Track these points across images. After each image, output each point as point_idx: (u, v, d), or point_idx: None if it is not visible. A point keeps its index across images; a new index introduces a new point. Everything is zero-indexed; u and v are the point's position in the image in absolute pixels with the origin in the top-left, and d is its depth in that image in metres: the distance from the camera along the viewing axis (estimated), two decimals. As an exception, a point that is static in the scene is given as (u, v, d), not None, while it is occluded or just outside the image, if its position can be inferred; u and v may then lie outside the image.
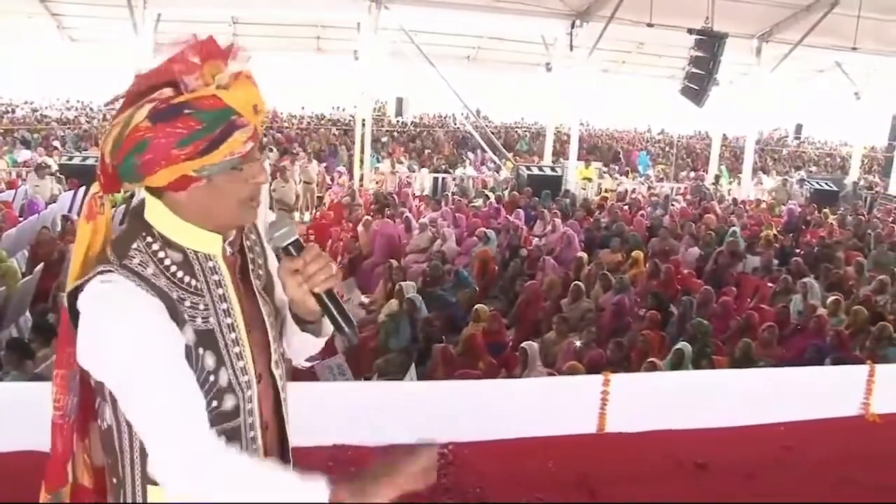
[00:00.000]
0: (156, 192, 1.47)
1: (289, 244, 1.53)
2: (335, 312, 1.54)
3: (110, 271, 1.41)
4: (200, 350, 1.48)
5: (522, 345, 5.96)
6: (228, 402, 1.52)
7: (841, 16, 13.72)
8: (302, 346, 1.77)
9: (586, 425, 4.97)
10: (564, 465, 4.60)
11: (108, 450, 1.55)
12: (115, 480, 1.56)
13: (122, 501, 1.55)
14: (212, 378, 1.49)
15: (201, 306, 1.50)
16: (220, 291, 1.54)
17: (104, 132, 1.44)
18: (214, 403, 1.50)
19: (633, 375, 5.40)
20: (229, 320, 1.54)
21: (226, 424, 1.52)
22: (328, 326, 1.65)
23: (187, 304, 1.48)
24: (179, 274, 1.49)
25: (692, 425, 5.03)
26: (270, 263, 1.73)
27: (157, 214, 1.49)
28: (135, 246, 1.46)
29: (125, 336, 1.37)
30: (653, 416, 5.01)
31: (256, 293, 1.64)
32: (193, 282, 1.50)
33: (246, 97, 1.44)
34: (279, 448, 1.73)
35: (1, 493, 3.85)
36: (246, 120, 1.43)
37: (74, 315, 1.43)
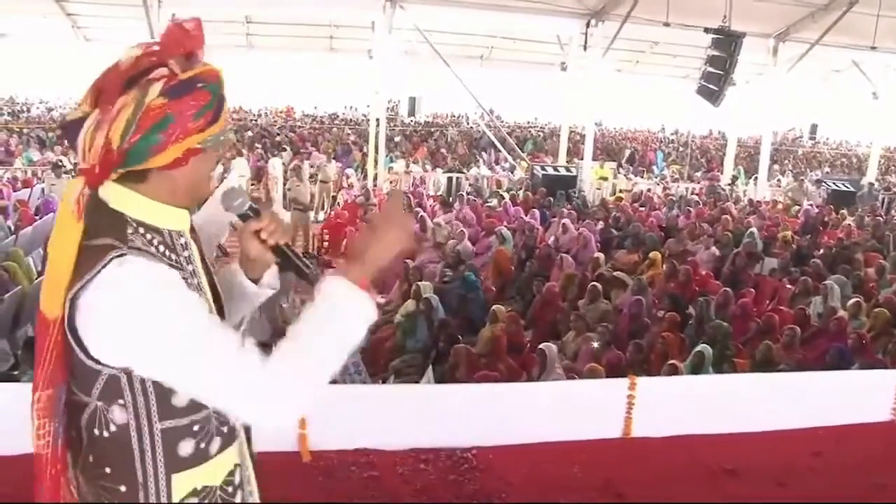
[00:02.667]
0: (137, 176, 1.46)
1: (247, 210, 1.69)
2: (296, 258, 1.69)
3: (124, 254, 1.40)
4: None
5: (541, 346, 5.90)
6: None
7: (859, 14, 13.58)
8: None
9: (612, 429, 4.90)
10: (590, 470, 4.53)
11: (117, 454, 1.50)
12: (123, 489, 1.51)
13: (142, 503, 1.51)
14: None
15: (187, 282, 1.50)
16: (191, 267, 1.57)
17: (97, 122, 1.42)
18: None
19: (659, 379, 5.32)
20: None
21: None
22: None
23: None
24: (167, 253, 1.50)
25: (720, 430, 4.93)
26: None
27: (128, 202, 1.48)
28: (129, 231, 1.46)
29: (164, 306, 1.37)
30: (680, 421, 4.92)
31: (209, 266, 1.69)
32: (174, 256, 1.52)
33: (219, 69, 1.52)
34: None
35: (18, 495, 3.81)
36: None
37: (72, 320, 1.40)
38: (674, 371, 5.54)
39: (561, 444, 4.72)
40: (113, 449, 1.49)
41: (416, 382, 5.64)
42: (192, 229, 1.65)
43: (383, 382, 5.96)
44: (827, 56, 16.60)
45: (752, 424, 5.00)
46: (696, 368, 5.86)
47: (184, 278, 1.48)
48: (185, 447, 1.53)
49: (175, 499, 1.53)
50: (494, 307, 6.99)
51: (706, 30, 13.00)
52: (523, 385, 5.41)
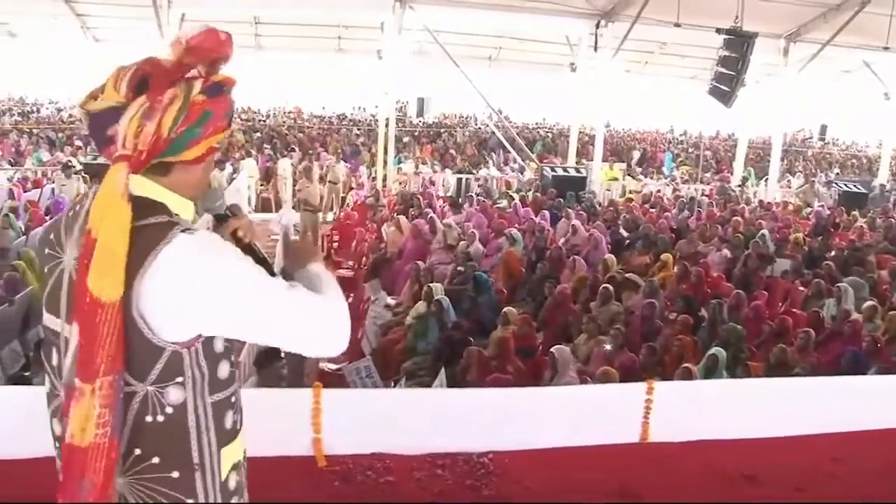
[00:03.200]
0: (162, 169, 1.53)
1: (226, 211, 1.85)
2: (262, 255, 1.80)
3: (189, 228, 1.48)
4: None
5: (552, 349, 5.86)
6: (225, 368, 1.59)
7: (871, 15, 13.49)
8: None
9: (629, 434, 4.86)
10: (607, 475, 4.49)
11: (170, 438, 1.49)
12: (175, 475, 1.50)
13: (202, 489, 1.54)
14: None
15: None
16: None
17: (145, 110, 1.47)
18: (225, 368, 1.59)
19: (676, 383, 5.27)
20: None
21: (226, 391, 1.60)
22: None
23: None
24: None
25: (738, 435, 4.90)
26: None
27: (155, 192, 1.54)
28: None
29: (238, 265, 1.49)
30: (698, 426, 4.89)
31: None
32: None
33: None
34: None
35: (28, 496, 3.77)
36: None
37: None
38: (688, 374, 5.48)
39: (578, 449, 4.69)
40: (166, 433, 1.49)
41: (428, 384, 5.59)
42: None
43: (395, 384, 5.93)
44: (838, 56, 16.48)
45: (770, 429, 4.97)
46: (710, 371, 5.80)
47: None
48: (228, 419, 1.60)
49: (223, 476, 1.59)
50: (506, 309, 6.94)
51: (718, 30, 12.92)
52: (540, 389, 5.37)
